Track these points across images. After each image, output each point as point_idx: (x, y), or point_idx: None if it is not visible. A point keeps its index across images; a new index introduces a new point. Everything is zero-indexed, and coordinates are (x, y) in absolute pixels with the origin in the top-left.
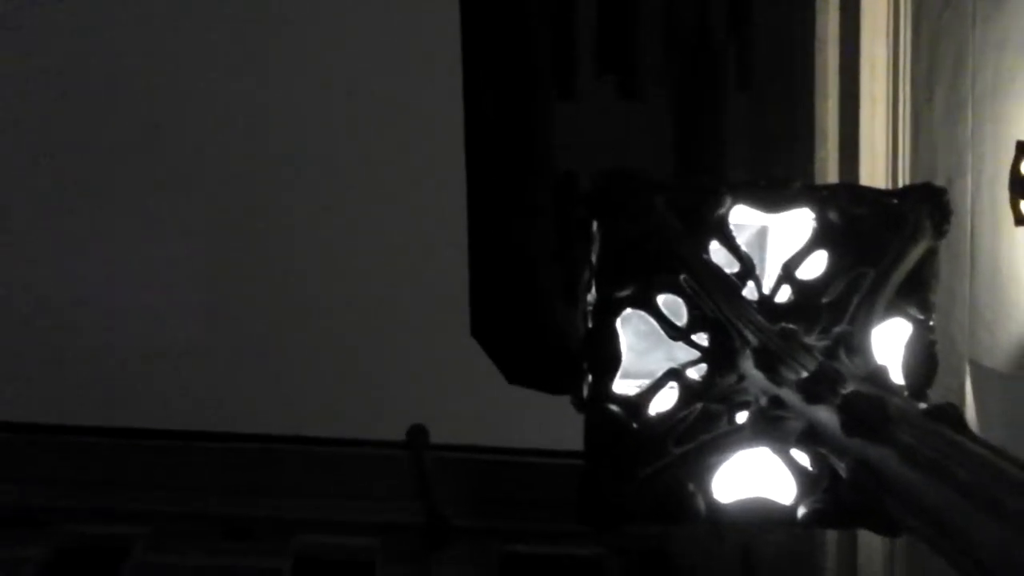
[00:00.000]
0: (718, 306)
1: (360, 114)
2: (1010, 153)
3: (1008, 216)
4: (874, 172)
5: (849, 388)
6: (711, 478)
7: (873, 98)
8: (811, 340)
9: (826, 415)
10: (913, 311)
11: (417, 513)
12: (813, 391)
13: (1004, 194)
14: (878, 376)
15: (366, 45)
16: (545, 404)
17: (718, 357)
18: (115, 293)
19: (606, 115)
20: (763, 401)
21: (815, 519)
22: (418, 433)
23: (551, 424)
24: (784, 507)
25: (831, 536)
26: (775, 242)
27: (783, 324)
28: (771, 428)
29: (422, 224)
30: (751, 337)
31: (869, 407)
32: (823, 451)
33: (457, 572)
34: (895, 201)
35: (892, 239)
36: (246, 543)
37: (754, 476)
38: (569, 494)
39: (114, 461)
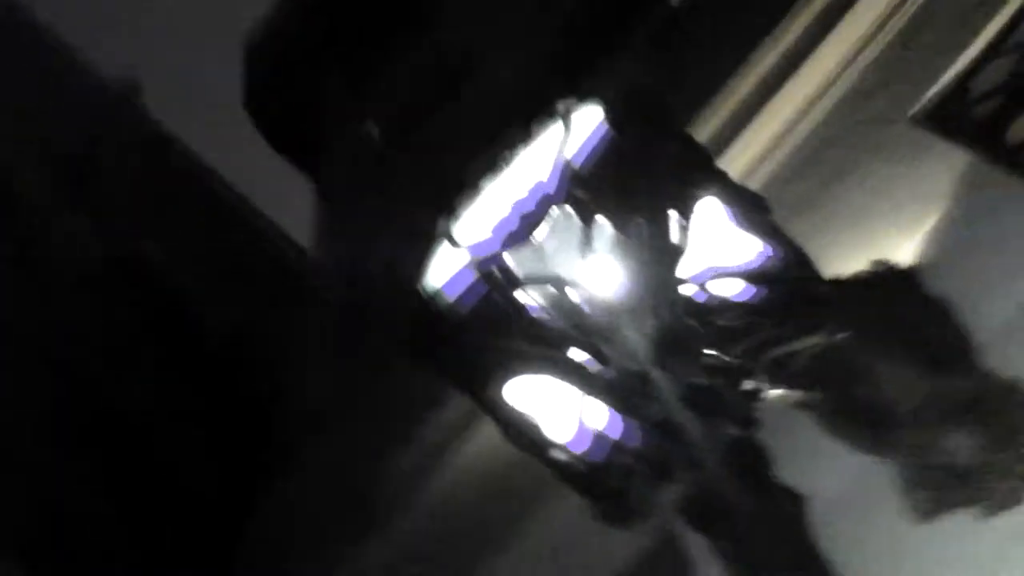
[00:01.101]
0: (655, 261)
1: None
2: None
3: None
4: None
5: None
6: (510, 379)
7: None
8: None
9: (702, 429)
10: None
11: (78, 147)
12: (708, 406)
13: None
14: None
15: None
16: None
17: (618, 303)
18: None
19: None
20: (627, 364)
21: (563, 471)
22: (131, 87)
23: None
24: (549, 441)
25: None
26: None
27: (708, 320)
28: (628, 395)
29: None
30: (665, 312)
31: (763, 459)
32: (668, 447)
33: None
34: (822, 287)
35: (803, 314)
36: None
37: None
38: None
39: None
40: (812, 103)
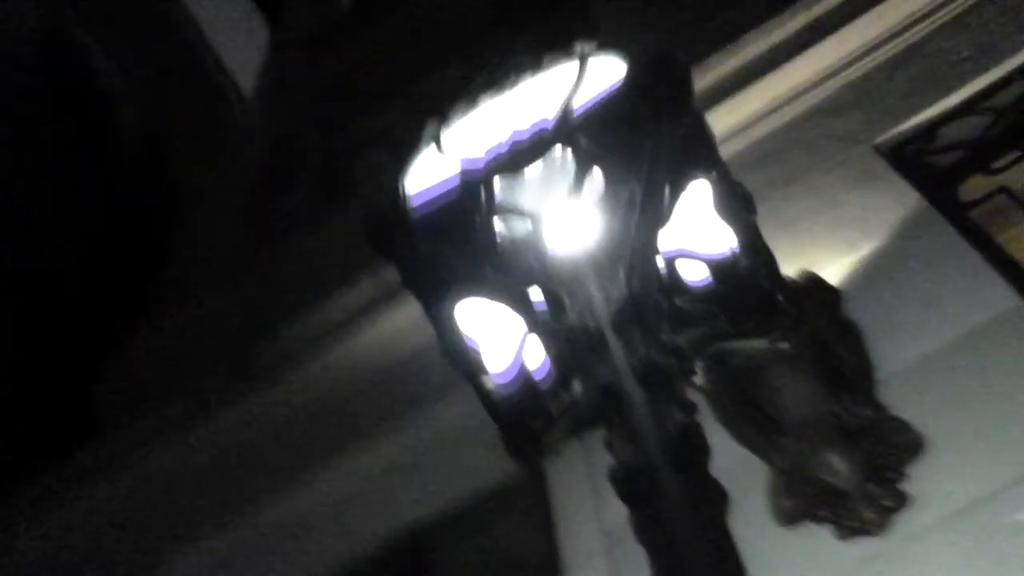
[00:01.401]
0: (639, 228)
1: None
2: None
3: None
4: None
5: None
6: (463, 298)
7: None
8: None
9: (648, 406)
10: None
11: None
12: (659, 385)
13: None
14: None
15: None
16: None
17: (590, 259)
18: None
19: None
20: (584, 320)
21: (487, 399)
22: None
23: None
24: (483, 367)
25: None
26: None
27: (670, 298)
28: (578, 350)
29: None
30: (636, 281)
31: (702, 449)
32: (613, 416)
33: None
34: (780, 297)
35: (759, 317)
36: None
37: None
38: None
39: None
40: (787, 102)
